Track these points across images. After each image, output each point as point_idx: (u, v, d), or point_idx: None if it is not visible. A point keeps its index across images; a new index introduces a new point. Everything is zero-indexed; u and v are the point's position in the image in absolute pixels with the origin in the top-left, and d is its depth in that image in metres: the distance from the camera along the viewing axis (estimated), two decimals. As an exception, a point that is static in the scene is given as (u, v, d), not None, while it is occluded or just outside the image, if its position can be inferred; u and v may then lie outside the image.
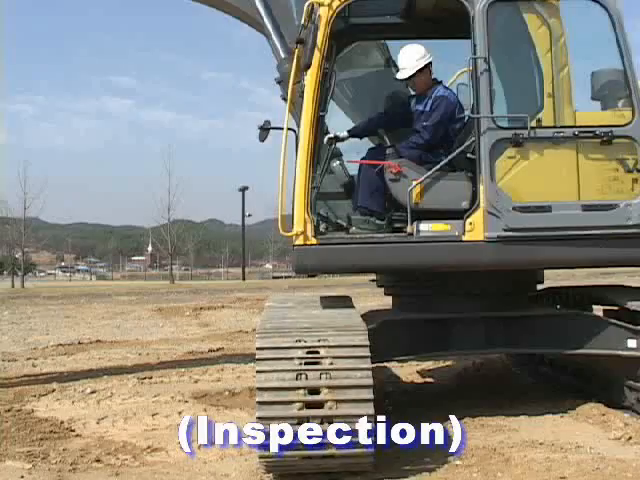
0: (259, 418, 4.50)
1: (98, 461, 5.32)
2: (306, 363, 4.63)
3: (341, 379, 4.56)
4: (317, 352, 4.68)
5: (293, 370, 4.58)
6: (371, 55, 7.34)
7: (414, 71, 6.10)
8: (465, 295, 6.11)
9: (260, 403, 4.51)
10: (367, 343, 4.77)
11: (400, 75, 6.22)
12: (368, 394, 4.56)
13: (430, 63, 6.17)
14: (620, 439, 5.46)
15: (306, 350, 4.68)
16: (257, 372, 4.60)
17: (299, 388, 4.53)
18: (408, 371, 8.65)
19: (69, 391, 7.94)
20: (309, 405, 4.53)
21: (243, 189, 59.16)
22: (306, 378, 4.57)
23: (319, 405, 4.54)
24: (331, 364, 4.61)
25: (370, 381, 4.59)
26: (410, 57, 6.13)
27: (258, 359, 4.65)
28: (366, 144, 6.88)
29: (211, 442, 5.68)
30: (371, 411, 4.53)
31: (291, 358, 4.63)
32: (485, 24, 5.67)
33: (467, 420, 6.06)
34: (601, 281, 12.88)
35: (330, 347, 4.70)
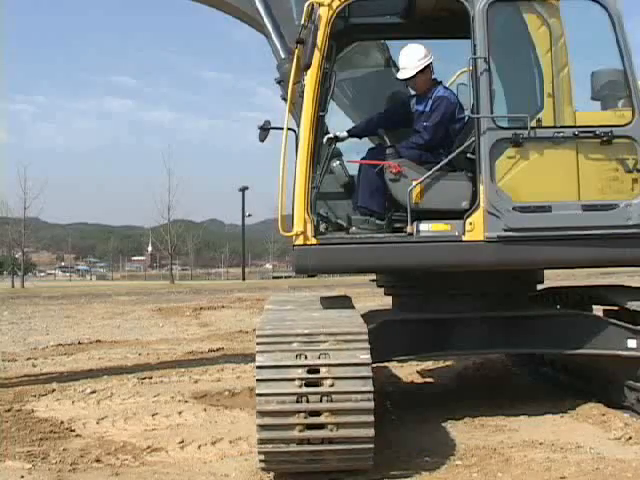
0: (260, 440, 4.48)
1: (98, 461, 5.31)
2: (307, 384, 4.53)
3: (342, 402, 4.49)
4: (318, 371, 4.57)
5: (293, 394, 4.49)
6: (371, 55, 7.34)
7: (415, 72, 6.10)
8: (465, 295, 6.11)
9: (261, 426, 4.47)
10: (370, 360, 4.63)
11: (401, 75, 6.22)
12: (369, 418, 4.51)
13: (431, 63, 6.16)
14: (620, 439, 5.46)
15: (307, 369, 4.57)
16: (257, 395, 4.52)
17: (300, 412, 4.48)
18: (408, 371, 8.65)
19: (69, 391, 7.94)
20: (309, 425, 4.50)
21: (243, 189, 59.20)
22: (307, 401, 4.50)
23: (320, 426, 4.51)
24: (332, 385, 4.51)
25: (371, 404, 4.51)
26: (411, 57, 6.13)
27: (258, 380, 4.55)
28: (366, 144, 6.87)
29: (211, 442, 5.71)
30: (371, 433, 4.51)
31: (292, 379, 4.52)
32: (485, 24, 5.67)
33: (467, 420, 6.07)
34: (601, 281, 12.88)
35: (331, 366, 4.57)
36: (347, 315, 5.34)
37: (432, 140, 6.03)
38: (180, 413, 6.77)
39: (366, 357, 4.63)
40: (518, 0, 5.84)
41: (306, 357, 4.62)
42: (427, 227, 5.68)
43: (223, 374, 8.94)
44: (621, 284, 7.09)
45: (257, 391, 4.52)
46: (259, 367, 4.60)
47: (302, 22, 5.71)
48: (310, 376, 4.54)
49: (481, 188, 5.62)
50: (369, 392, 4.52)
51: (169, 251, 55.38)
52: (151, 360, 10.48)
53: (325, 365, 4.57)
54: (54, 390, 8.00)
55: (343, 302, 6.35)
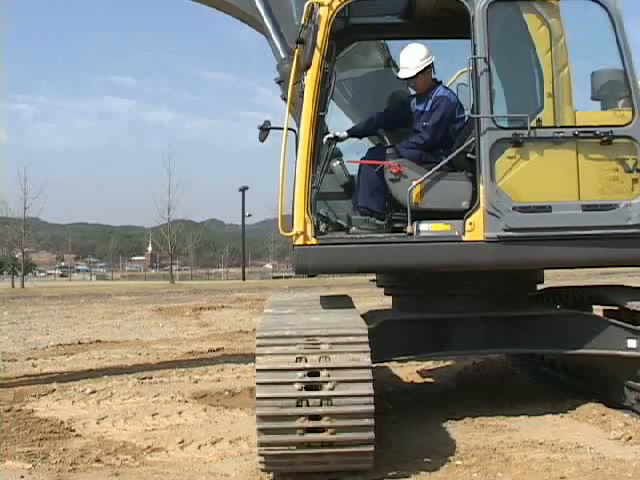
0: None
1: (98, 461, 5.31)
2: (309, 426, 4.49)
3: (342, 435, 4.49)
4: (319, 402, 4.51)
5: (295, 431, 4.48)
6: (371, 55, 7.35)
7: (416, 72, 6.09)
8: (465, 295, 6.11)
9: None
10: (372, 402, 4.54)
11: (402, 74, 6.21)
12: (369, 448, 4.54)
13: (432, 64, 6.16)
14: (620, 439, 5.46)
15: (308, 416, 4.49)
16: (259, 445, 4.52)
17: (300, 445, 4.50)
18: (408, 371, 8.65)
19: (69, 391, 7.94)
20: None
21: (243, 189, 59.18)
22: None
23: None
24: (333, 430, 4.48)
25: (371, 448, 4.53)
26: (413, 57, 6.12)
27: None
28: (366, 144, 6.88)
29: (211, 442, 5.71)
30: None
31: (293, 418, 4.46)
32: (485, 24, 5.67)
33: (467, 420, 6.07)
34: (601, 281, 12.88)
35: (333, 408, 4.49)
36: (350, 323, 5.12)
37: (432, 140, 6.03)
38: (180, 413, 6.78)
39: (368, 396, 4.53)
40: (518, 0, 5.84)
41: (308, 404, 4.52)
42: (427, 227, 5.68)
43: (223, 374, 8.94)
44: (621, 284, 7.09)
45: (258, 440, 4.50)
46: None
47: (302, 22, 5.71)
48: (312, 416, 4.48)
49: (481, 188, 5.62)
50: (370, 428, 4.50)
51: (169, 251, 55.34)
52: (151, 360, 10.49)
53: (328, 408, 4.49)
54: (54, 390, 8.00)
55: (343, 303, 6.33)
